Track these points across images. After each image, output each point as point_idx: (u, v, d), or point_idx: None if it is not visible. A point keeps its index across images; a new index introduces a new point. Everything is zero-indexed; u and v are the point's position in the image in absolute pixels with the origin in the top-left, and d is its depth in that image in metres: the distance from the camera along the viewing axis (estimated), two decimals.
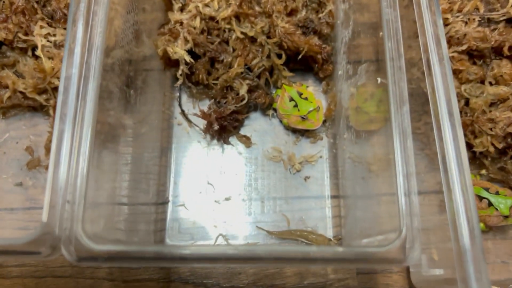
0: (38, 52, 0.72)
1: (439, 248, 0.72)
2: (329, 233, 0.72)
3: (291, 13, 0.74)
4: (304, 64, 0.79)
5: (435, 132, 0.52)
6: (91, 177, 0.56)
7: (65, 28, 0.72)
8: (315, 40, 0.73)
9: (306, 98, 0.75)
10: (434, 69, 0.53)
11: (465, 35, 0.72)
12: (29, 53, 0.75)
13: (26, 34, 0.73)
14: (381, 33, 0.55)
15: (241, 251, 0.46)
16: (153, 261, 0.47)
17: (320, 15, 0.74)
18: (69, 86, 0.50)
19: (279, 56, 0.74)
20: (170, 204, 0.74)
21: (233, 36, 0.73)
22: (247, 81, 0.73)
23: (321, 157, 0.76)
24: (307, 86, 0.80)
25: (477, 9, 0.73)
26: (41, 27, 0.72)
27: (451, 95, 0.51)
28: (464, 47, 0.72)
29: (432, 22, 0.55)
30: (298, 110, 0.74)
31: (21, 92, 0.74)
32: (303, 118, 0.73)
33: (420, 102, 0.75)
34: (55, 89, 0.73)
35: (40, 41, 0.71)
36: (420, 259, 0.47)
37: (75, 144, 0.49)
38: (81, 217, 0.47)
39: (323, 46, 0.73)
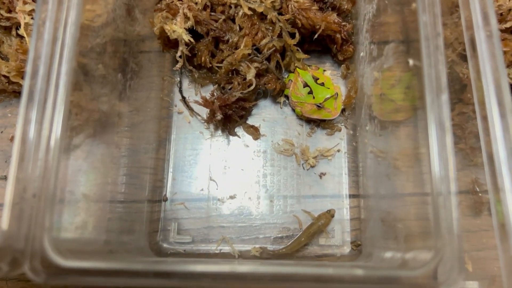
0: (21, 31, 0.64)
1: (474, 257, 0.63)
2: (347, 238, 0.64)
3: None
4: (320, 45, 0.70)
5: (480, 124, 0.44)
6: (73, 172, 0.50)
7: None
8: (333, 17, 0.63)
9: (322, 84, 0.66)
10: (481, 49, 0.43)
11: (509, 10, 0.62)
12: (14, 32, 0.68)
13: (9, 11, 0.66)
14: (413, 5, 0.46)
15: (242, 270, 0.38)
16: (138, 280, 0.39)
17: None
18: (38, 68, 0.42)
19: (292, 35, 0.65)
20: (168, 202, 0.66)
21: (240, 13, 0.64)
22: (255, 64, 0.64)
23: (338, 151, 0.67)
24: (324, 70, 0.70)
25: None
26: (25, 2, 0.64)
27: (502, 80, 0.42)
28: (508, 25, 0.63)
29: None
30: (313, 98, 0.65)
31: (5, 76, 0.67)
32: (318, 106, 0.64)
33: (454, 89, 0.66)
34: None
35: (23, 19, 0.63)
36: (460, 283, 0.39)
37: (44, 133, 0.41)
38: (48, 225, 0.39)
39: (343, 23, 0.64)
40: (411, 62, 0.46)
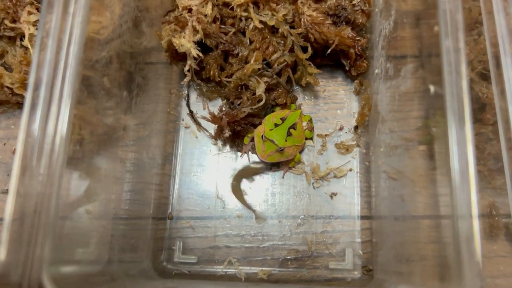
0: (25, 42, 0.62)
1: (490, 284, 0.61)
2: (358, 261, 0.61)
3: None
4: (333, 60, 0.67)
5: (503, 146, 0.42)
6: (76, 187, 0.48)
7: None
8: (347, 32, 0.61)
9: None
10: (506, 67, 0.41)
11: None
12: (18, 42, 0.66)
13: (13, 21, 0.64)
14: (436, 28, 0.43)
15: None
16: None
17: (354, 2, 0.62)
18: (41, 80, 0.41)
19: (304, 49, 0.63)
20: (173, 220, 0.64)
21: (251, 26, 0.62)
22: (265, 79, 0.62)
23: (350, 170, 0.65)
24: (309, 120, 0.66)
25: None
26: (29, 13, 0.62)
27: None
28: None
29: (502, 9, 0.43)
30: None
31: (8, 87, 0.65)
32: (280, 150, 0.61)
33: (473, 109, 0.63)
34: None
35: (27, 29, 0.62)
36: None
37: (47, 147, 0.39)
38: (47, 255, 0.37)
39: (357, 38, 0.62)
40: (432, 89, 0.44)
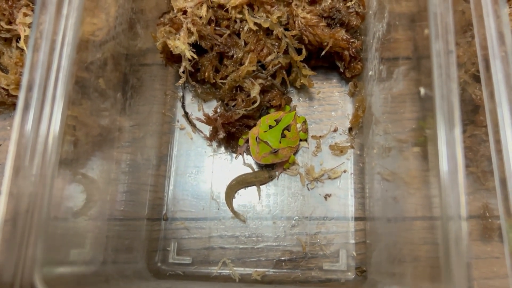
0: (21, 43, 0.63)
1: (482, 286, 0.61)
2: (351, 262, 0.61)
3: (314, 1, 0.63)
4: (328, 61, 0.67)
5: (492, 148, 0.41)
6: (71, 188, 0.48)
7: None
8: (341, 34, 0.61)
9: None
10: (495, 70, 0.41)
11: None
12: (14, 44, 0.66)
13: (9, 22, 0.64)
14: (426, 31, 0.43)
15: None
16: None
17: (349, 4, 0.63)
18: (34, 81, 0.41)
19: (298, 51, 0.63)
20: (167, 221, 0.64)
21: (245, 28, 0.62)
22: (260, 81, 0.63)
23: (345, 171, 0.65)
24: (303, 122, 0.67)
25: None
26: (25, 14, 0.63)
27: None
28: None
29: (492, 12, 0.43)
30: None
31: (4, 89, 0.66)
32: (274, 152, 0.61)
33: (466, 110, 0.64)
34: None
35: (23, 31, 0.62)
36: None
37: (39, 148, 0.40)
38: (40, 256, 0.37)
39: (351, 40, 0.62)
40: (422, 91, 0.44)
